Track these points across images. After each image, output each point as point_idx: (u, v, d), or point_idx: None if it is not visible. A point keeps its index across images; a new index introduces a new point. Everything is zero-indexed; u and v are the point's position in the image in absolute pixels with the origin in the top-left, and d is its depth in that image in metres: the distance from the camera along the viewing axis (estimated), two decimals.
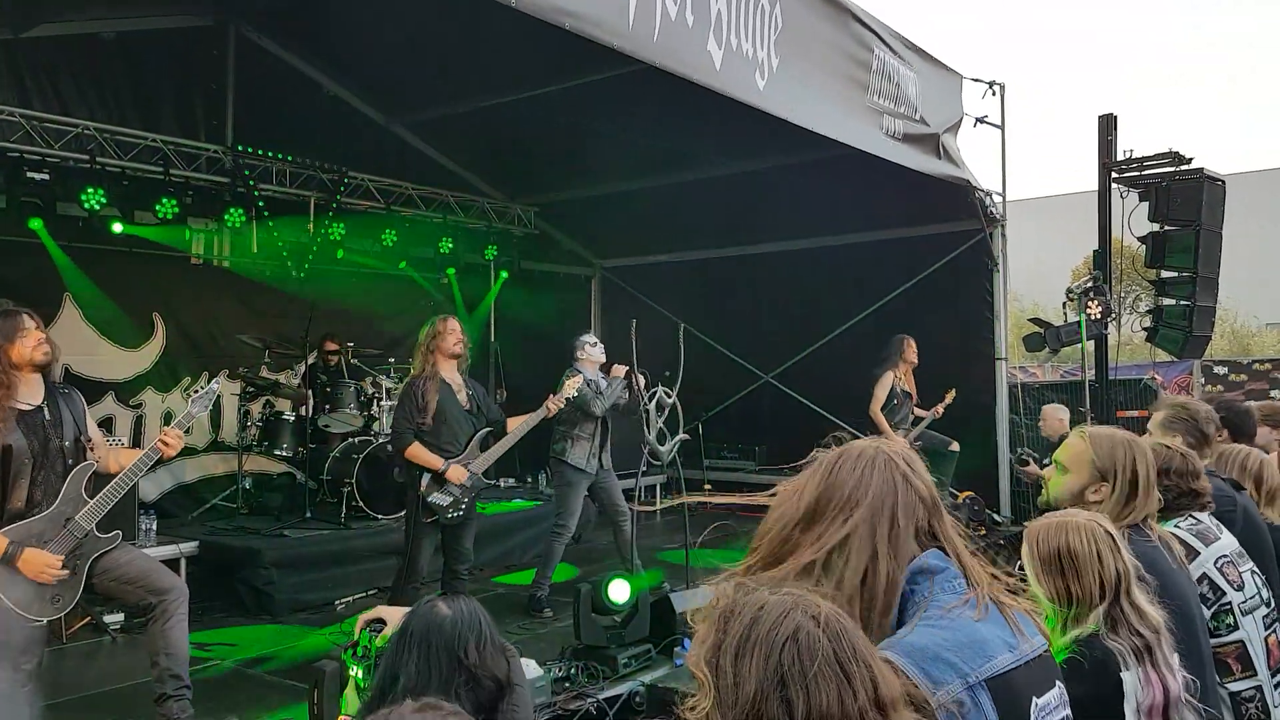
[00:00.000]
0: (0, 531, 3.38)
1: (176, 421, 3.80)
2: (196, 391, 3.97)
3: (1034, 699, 1.40)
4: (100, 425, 7.31)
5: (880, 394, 7.32)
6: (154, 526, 6.50)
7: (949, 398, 7.58)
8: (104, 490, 3.59)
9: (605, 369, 6.33)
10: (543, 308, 10.08)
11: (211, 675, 5.02)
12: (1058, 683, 1.47)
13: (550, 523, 6.43)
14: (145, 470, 3.67)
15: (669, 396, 6.02)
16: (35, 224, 6.55)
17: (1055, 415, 7.34)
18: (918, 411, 7.54)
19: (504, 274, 9.97)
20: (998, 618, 1.43)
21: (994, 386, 8.64)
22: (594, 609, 4.06)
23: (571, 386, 5.43)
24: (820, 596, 1.19)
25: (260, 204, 7.79)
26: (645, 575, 5.53)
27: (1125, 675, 1.83)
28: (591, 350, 6.29)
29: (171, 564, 6.31)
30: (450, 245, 9.29)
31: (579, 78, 7.12)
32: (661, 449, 6.01)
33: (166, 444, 3.60)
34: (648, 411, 5.98)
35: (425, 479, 5.14)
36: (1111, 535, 1.97)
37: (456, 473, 5.13)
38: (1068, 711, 1.48)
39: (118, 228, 7.02)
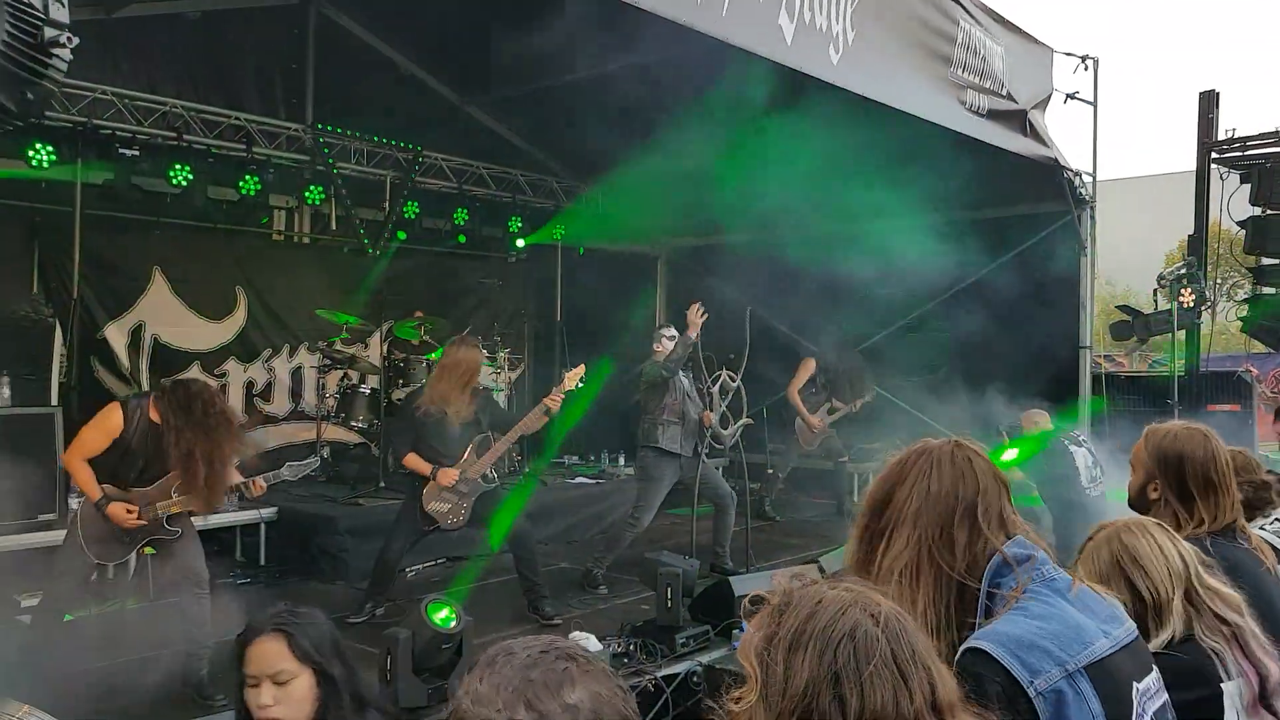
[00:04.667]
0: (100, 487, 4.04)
1: (266, 475, 4.37)
2: (295, 461, 4.53)
3: (1134, 684, 1.36)
4: None
5: (800, 376, 7.88)
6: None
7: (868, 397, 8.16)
8: (185, 497, 4.16)
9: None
10: (609, 287, 10.11)
11: None
12: (1154, 668, 1.43)
13: (616, 505, 6.46)
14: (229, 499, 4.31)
15: (734, 380, 6.06)
16: (136, 195, 6.85)
17: (1032, 419, 7.09)
18: (836, 403, 8.14)
19: (579, 251, 10.05)
20: (1091, 602, 1.40)
21: (1077, 377, 8.33)
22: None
23: (574, 379, 5.36)
24: (881, 594, 1.17)
25: (339, 182, 7.97)
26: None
27: (1227, 686, 1.74)
28: (667, 344, 6.25)
29: (253, 528, 6.60)
30: (519, 224, 9.38)
31: (648, 55, 7.06)
32: (724, 432, 6.10)
33: (253, 490, 4.27)
34: (711, 394, 6.04)
35: (427, 487, 5.24)
36: (1162, 525, 1.91)
37: (445, 475, 5.20)
38: (1166, 697, 1.44)
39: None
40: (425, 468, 5.21)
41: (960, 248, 8.78)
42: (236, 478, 4.30)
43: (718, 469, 7.02)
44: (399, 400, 7.85)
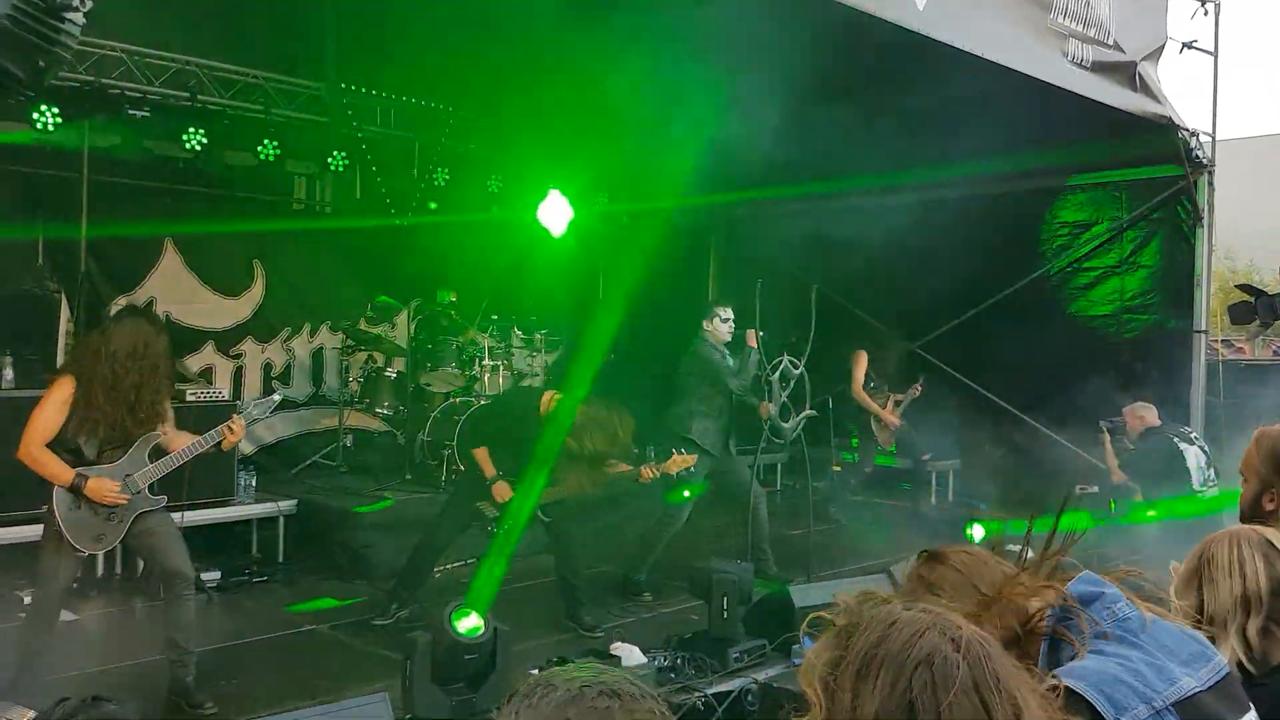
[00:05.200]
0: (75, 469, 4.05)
1: (245, 413, 4.36)
2: (258, 398, 4.55)
3: None
4: (200, 375, 7.82)
5: (858, 374, 7.80)
6: (253, 482, 6.83)
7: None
8: (162, 459, 4.21)
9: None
10: (657, 258, 9.99)
11: (306, 639, 5.30)
12: (1250, 707, 1.43)
13: (654, 504, 6.43)
14: (201, 452, 4.23)
15: (795, 367, 5.95)
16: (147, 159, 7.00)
17: (1137, 414, 6.86)
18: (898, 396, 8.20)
19: (623, 219, 10.07)
20: (1170, 640, 1.40)
21: (1189, 365, 8.02)
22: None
23: (678, 465, 5.37)
24: (962, 615, 1.16)
25: (364, 146, 8.03)
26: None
27: None
28: (720, 326, 6.19)
29: (270, 522, 6.70)
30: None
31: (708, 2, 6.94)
32: (785, 425, 6.00)
33: (230, 434, 4.19)
34: (770, 383, 5.95)
35: (483, 485, 5.29)
36: (1270, 541, 1.85)
37: (501, 490, 5.23)
38: None
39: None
40: (487, 470, 5.27)
41: (1058, 218, 8.55)
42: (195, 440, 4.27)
43: (775, 464, 6.97)
44: (425, 385, 7.92)
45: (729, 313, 6.23)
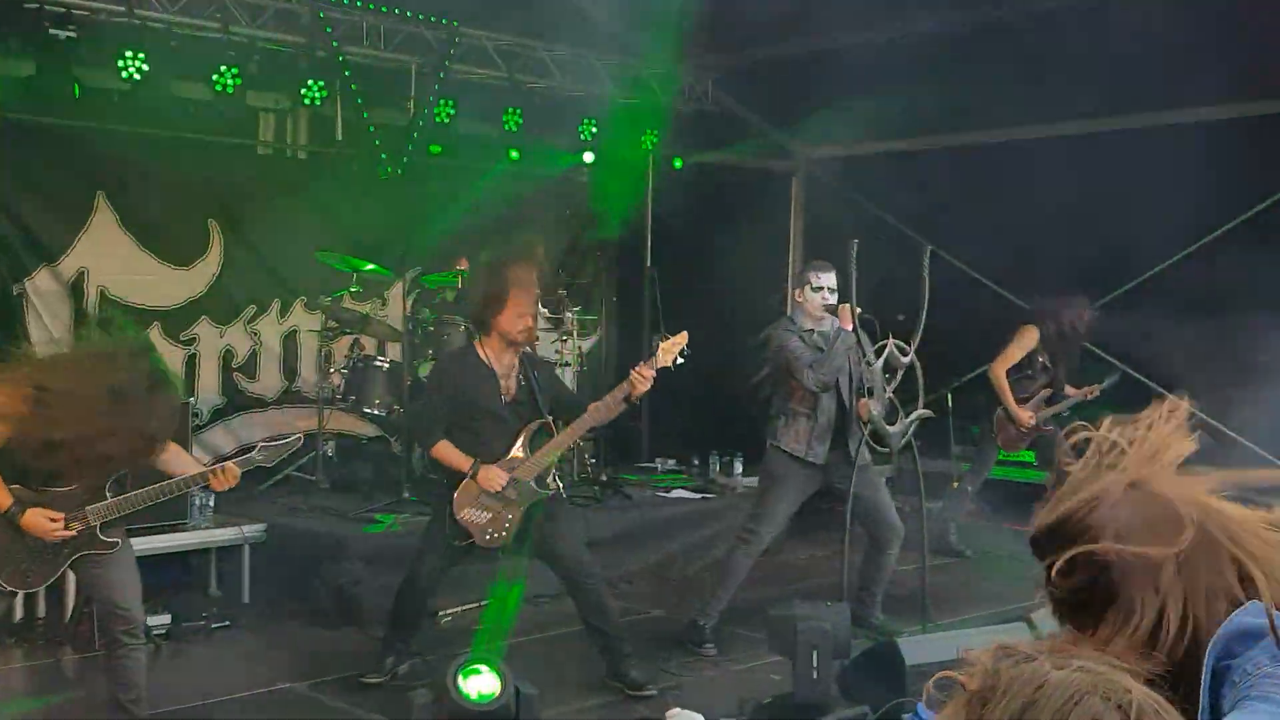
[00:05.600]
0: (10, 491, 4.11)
1: (242, 459, 4.46)
2: (266, 444, 4.61)
3: None
4: None
5: (1014, 351, 7.57)
6: (211, 502, 6.86)
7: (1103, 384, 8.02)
8: (136, 492, 4.27)
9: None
10: (722, 219, 9.97)
11: (278, 701, 5.30)
12: None
13: (730, 529, 6.50)
14: (178, 493, 4.39)
15: (904, 353, 5.87)
16: (75, 91, 6.99)
17: None
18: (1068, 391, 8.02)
19: (675, 164, 9.97)
20: None
21: None
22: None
23: (671, 350, 5.31)
24: (1132, 673, 1.17)
25: (347, 73, 7.98)
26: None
27: None
28: (813, 295, 6.08)
29: (233, 551, 6.73)
30: (593, 129, 9.29)
31: None
32: (891, 429, 5.93)
33: (219, 478, 4.30)
34: (872, 375, 5.92)
35: (460, 489, 5.30)
36: None
37: (488, 476, 5.24)
38: None
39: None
40: (463, 462, 5.28)
41: (1232, 163, 8.24)
42: (193, 465, 4.39)
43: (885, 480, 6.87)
44: (425, 377, 7.86)
45: (829, 277, 6.12)
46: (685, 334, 5.44)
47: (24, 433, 4.00)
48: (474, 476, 5.25)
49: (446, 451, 5.33)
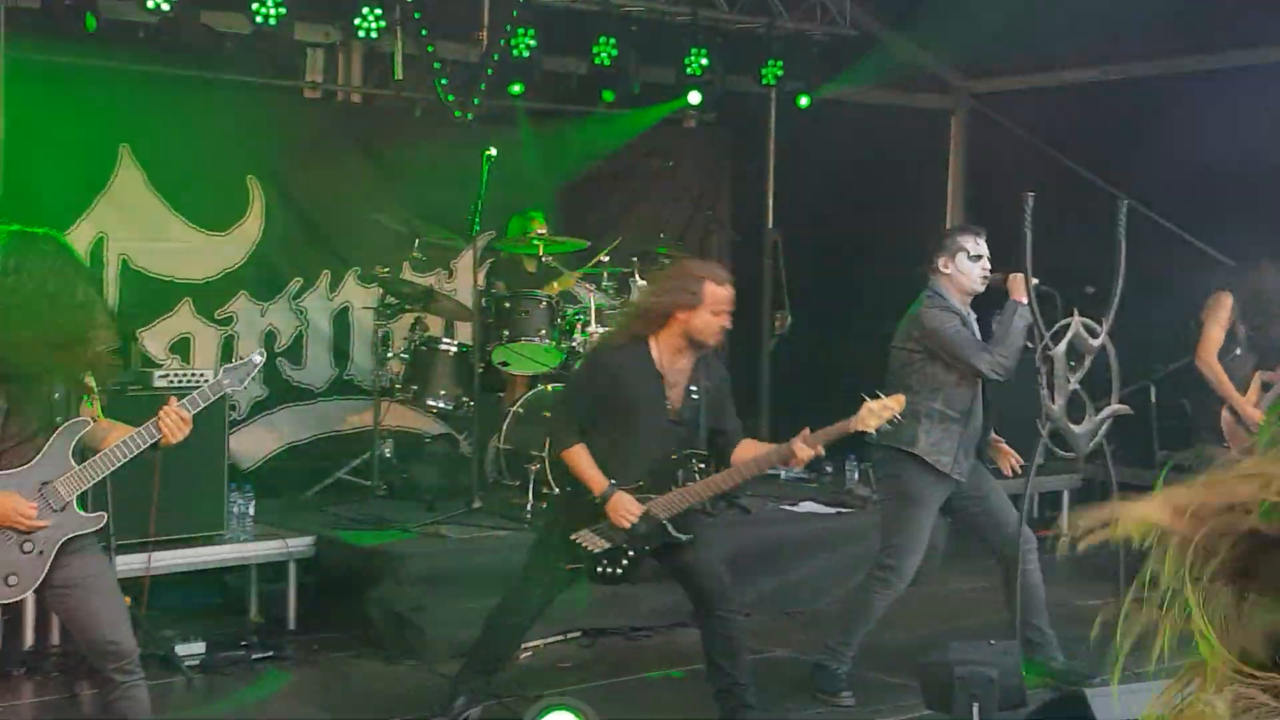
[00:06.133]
0: None
1: (190, 398, 4.28)
2: (238, 357, 4.39)
3: None
4: (173, 351, 7.97)
5: (1214, 331, 7.26)
6: (251, 510, 6.99)
7: None
8: (95, 456, 4.21)
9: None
10: (860, 169, 9.85)
11: None
12: None
13: (869, 551, 6.45)
14: (137, 454, 4.22)
15: (1094, 334, 5.75)
16: (90, 24, 7.06)
17: None
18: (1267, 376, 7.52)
19: (793, 107, 9.85)
20: None
21: None
22: None
23: (880, 415, 5.24)
24: None
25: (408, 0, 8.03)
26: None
27: None
28: (968, 268, 5.95)
29: (278, 568, 6.83)
30: (704, 61, 9.22)
31: None
32: (1077, 430, 5.84)
33: (164, 427, 4.17)
34: (1051, 360, 5.75)
35: (581, 504, 5.28)
36: None
37: (618, 506, 5.17)
38: None
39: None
40: (597, 481, 5.22)
41: None
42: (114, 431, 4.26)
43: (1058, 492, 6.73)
44: (502, 364, 7.89)
45: (982, 245, 6.01)
46: (902, 399, 5.33)
47: None
48: (603, 502, 5.22)
49: (581, 460, 5.26)
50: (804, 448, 5.17)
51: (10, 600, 4.37)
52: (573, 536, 5.26)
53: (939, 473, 5.90)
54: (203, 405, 4.31)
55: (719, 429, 5.49)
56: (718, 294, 5.25)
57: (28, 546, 4.11)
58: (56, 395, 4.16)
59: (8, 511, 4.03)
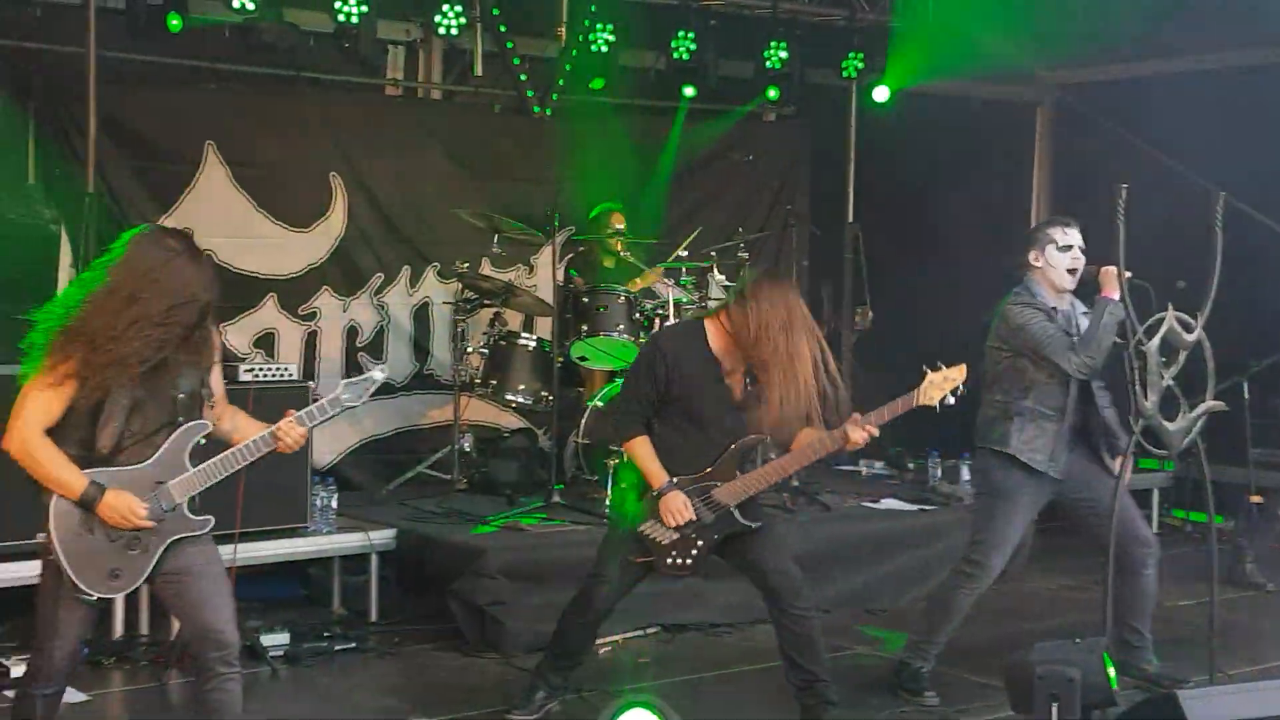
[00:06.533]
0: (83, 471, 4.05)
1: (309, 411, 4.28)
2: (350, 381, 4.38)
3: None
4: (257, 346, 8.06)
5: None
6: (334, 504, 6.99)
7: None
8: (209, 462, 4.19)
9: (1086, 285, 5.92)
10: (943, 160, 9.82)
11: None
12: None
13: (955, 549, 6.40)
14: (254, 459, 4.22)
15: (1189, 329, 5.65)
16: (174, 24, 7.18)
17: None
18: None
19: (882, 98, 9.82)
20: None
21: None
22: None
23: (942, 386, 5.13)
24: None
25: None
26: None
27: None
28: (1059, 260, 5.87)
29: (359, 561, 6.90)
30: (783, 54, 9.17)
31: None
32: (1170, 427, 5.70)
33: (281, 439, 4.20)
34: (1144, 355, 5.62)
35: (648, 496, 5.24)
36: None
37: (670, 506, 5.14)
38: None
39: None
40: (656, 474, 5.20)
41: None
42: (251, 429, 4.28)
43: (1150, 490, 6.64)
44: (581, 359, 7.89)
45: (1074, 235, 5.92)
46: (964, 367, 5.21)
47: (84, 388, 3.98)
48: (659, 497, 5.18)
49: (642, 451, 5.23)
50: (857, 430, 5.07)
51: (114, 595, 4.38)
52: (640, 528, 5.23)
53: (1033, 470, 5.83)
54: (320, 420, 4.30)
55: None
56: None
57: (134, 546, 4.10)
58: (181, 395, 4.16)
59: (122, 509, 4.01)
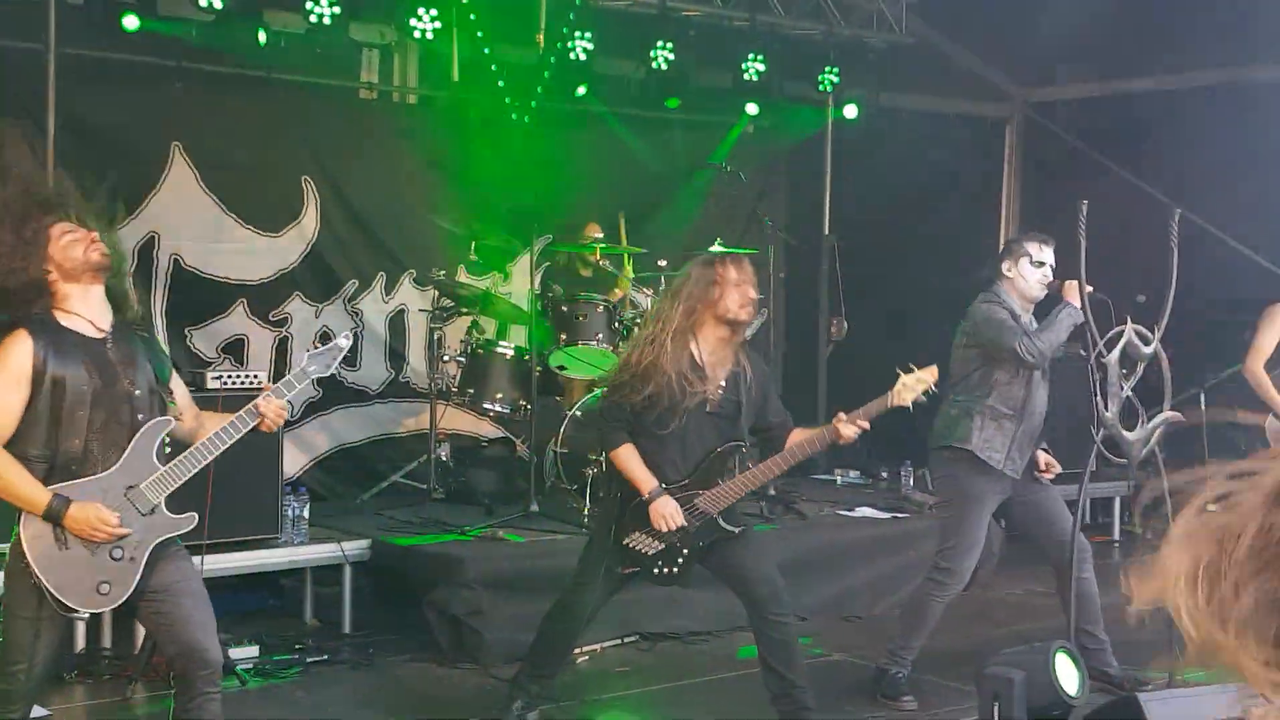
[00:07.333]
0: (47, 487, 3.98)
1: (285, 381, 4.30)
2: (316, 346, 4.45)
3: None
4: (226, 352, 7.98)
5: (1265, 341, 7.24)
6: (306, 513, 6.95)
7: None
8: (186, 452, 4.16)
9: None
10: (918, 175, 9.82)
11: None
12: None
13: (928, 556, 6.41)
14: (234, 440, 4.17)
15: (1146, 342, 5.80)
16: (129, 25, 7.08)
17: None
18: None
19: (851, 115, 9.87)
20: None
21: None
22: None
23: (914, 388, 5.23)
24: None
25: (463, 1, 8.00)
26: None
27: None
28: (1031, 271, 6.01)
29: (332, 572, 6.85)
30: (761, 66, 9.20)
31: None
32: (1130, 436, 5.84)
33: (264, 414, 4.15)
34: (1105, 367, 5.78)
35: (632, 508, 5.26)
36: None
37: (661, 510, 5.17)
38: None
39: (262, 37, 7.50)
40: (645, 481, 5.22)
41: None
42: (216, 423, 4.20)
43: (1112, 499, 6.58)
44: (559, 368, 7.86)
45: (1048, 252, 6.07)
46: (935, 369, 5.34)
47: (42, 393, 3.95)
48: (649, 503, 5.20)
49: (629, 460, 5.26)
50: (848, 425, 5.17)
51: (105, 609, 4.33)
52: (625, 540, 5.26)
53: (993, 470, 5.96)
54: (294, 390, 4.33)
55: (765, 423, 5.49)
56: (729, 272, 5.24)
57: (117, 553, 4.02)
58: (138, 392, 4.10)
59: (91, 520, 3.94)
